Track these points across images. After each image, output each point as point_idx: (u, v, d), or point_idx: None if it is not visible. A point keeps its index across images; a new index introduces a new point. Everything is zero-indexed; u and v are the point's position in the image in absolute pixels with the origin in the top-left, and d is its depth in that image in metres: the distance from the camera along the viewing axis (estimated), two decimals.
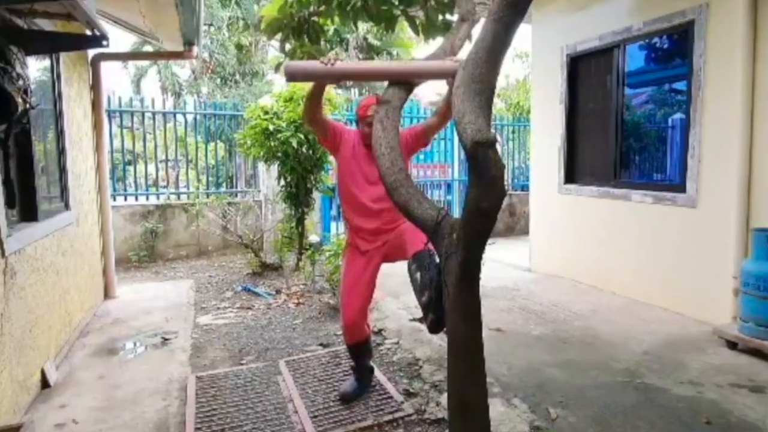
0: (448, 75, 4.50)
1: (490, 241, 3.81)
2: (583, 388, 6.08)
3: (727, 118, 7.86)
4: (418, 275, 4.83)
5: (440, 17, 6.28)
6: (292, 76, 4.75)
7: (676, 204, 8.70)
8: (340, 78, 5.02)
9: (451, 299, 3.71)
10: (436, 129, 5.91)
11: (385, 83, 4.79)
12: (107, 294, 10.09)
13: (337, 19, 6.39)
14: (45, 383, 6.25)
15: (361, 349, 6.07)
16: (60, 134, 7.84)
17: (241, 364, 6.98)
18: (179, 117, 15.87)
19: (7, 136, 4.99)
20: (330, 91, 11.85)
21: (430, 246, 4.27)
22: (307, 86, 10.89)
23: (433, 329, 4.59)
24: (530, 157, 13.54)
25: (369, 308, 6.13)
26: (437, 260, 4.21)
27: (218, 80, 33.07)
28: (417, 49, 26.03)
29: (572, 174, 11.16)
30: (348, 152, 5.80)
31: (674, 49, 9.12)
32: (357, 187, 5.77)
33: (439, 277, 3.99)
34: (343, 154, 5.84)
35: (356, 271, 5.84)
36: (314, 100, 5.54)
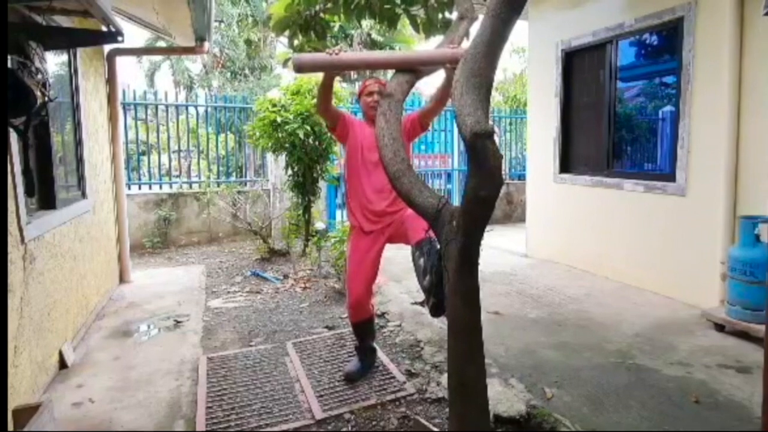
0: (447, 61, 4.55)
1: (488, 228, 3.82)
2: (577, 368, 6.08)
3: (715, 110, 7.86)
4: (421, 261, 4.86)
5: (440, 15, 6.28)
6: (300, 68, 4.77)
7: (666, 193, 8.69)
8: (345, 68, 5.07)
9: (451, 283, 3.71)
10: (432, 113, 5.88)
11: (388, 79, 4.80)
12: (122, 279, 10.12)
13: (342, 16, 6.39)
14: (63, 364, 6.27)
15: (365, 329, 6.08)
16: (77, 126, 7.84)
17: (251, 346, 6.99)
18: (191, 110, 15.77)
19: (27, 128, 4.98)
20: (336, 84, 11.84)
21: (431, 233, 4.28)
22: (314, 80, 10.97)
23: (434, 312, 4.61)
24: (527, 147, 13.51)
25: (373, 288, 6.17)
26: (438, 247, 4.22)
27: (228, 74, 33.07)
28: (418, 46, 26.00)
29: (567, 164, 11.16)
30: (356, 140, 5.83)
31: (664, 44, 9.11)
32: (363, 172, 5.81)
33: (440, 263, 4.00)
34: (351, 142, 5.87)
35: (361, 251, 5.86)
36: (325, 90, 5.56)
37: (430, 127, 6.16)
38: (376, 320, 7.03)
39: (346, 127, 5.85)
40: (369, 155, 5.73)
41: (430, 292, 4.69)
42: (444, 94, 5.26)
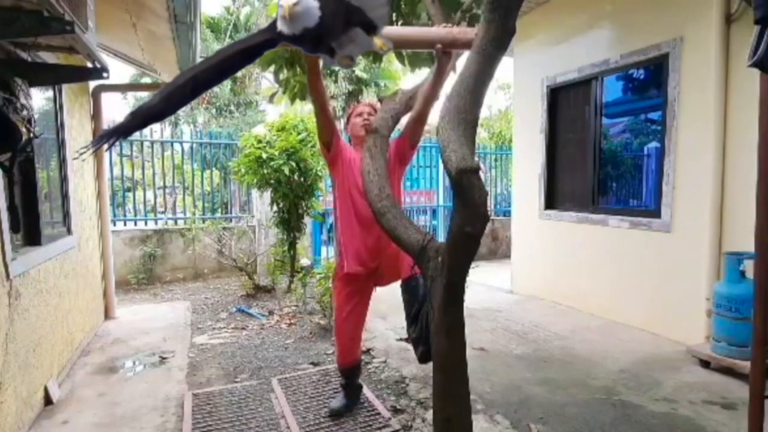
0: (437, 42, 4.39)
1: (473, 264, 3.83)
2: (563, 404, 6.09)
3: (700, 146, 7.91)
4: (407, 304, 4.89)
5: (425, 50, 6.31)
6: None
7: (651, 229, 8.73)
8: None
9: (437, 320, 3.72)
10: (419, 123, 5.48)
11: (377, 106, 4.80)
12: (107, 315, 10.06)
13: None
14: (48, 400, 6.24)
15: (352, 371, 6.09)
16: (62, 162, 7.84)
17: (236, 382, 6.95)
18: (176, 146, 15.80)
19: (12, 164, 4.99)
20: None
21: (417, 269, 4.29)
22: (300, 116, 10.99)
23: (423, 360, 4.65)
24: (512, 184, 13.54)
25: (361, 335, 6.18)
26: (424, 289, 4.23)
27: (213, 110, 33.09)
28: (404, 80, 26.06)
29: (552, 200, 11.19)
30: (348, 165, 5.59)
31: (650, 80, 9.16)
32: (359, 201, 5.49)
33: (427, 306, 4.00)
34: (344, 168, 5.63)
35: (350, 303, 5.84)
36: (311, 73, 5.15)
37: (420, 143, 6.02)
38: (362, 356, 7.00)
39: (339, 147, 5.62)
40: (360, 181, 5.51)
41: (419, 342, 4.73)
42: (432, 91, 5.07)
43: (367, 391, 6.46)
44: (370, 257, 5.68)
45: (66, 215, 7.96)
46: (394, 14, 6.35)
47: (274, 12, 6.71)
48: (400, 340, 8.32)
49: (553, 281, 11.04)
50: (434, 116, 4.53)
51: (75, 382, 7.00)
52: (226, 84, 32.29)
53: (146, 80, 18.61)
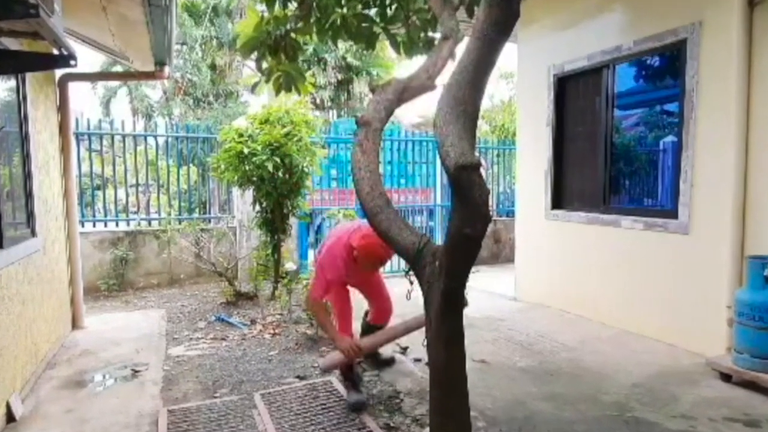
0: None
1: (473, 269, 3.82)
2: (571, 422, 6.08)
3: (720, 140, 7.90)
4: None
5: (422, 35, 6.31)
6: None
7: (667, 230, 8.73)
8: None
9: (434, 329, 3.72)
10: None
11: (364, 106, 4.85)
12: (75, 324, 10.04)
13: (315, 36, 6.42)
14: (10, 417, 6.22)
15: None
16: (26, 158, 7.81)
17: (215, 398, 6.95)
18: (150, 140, 15.74)
19: None
20: (307, 113, 11.90)
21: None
22: (284, 108, 11.05)
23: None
24: (516, 181, 13.54)
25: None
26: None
27: (191, 101, 33.13)
28: (398, 69, 26.08)
29: (560, 199, 11.20)
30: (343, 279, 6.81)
31: (666, 69, 9.16)
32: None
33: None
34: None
35: (341, 297, 6.77)
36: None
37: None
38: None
39: (332, 286, 6.79)
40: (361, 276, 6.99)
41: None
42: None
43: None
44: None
45: (30, 216, 7.93)
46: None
47: (240, 30, 6.76)
48: (400, 352, 8.33)
49: (560, 287, 11.04)
50: (431, 107, 4.53)
51: (40, 397, 6.98)
52: (205, 73, 32.29)
53: (118, 69, 18.59)
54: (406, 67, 24.59)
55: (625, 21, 9.44)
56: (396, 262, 12.51)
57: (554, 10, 10.97)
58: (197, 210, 15.91)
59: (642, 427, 5.91)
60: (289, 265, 12.06)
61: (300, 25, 6.38)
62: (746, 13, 7.63)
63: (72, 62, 6.03)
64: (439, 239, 15.52)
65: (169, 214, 14.51)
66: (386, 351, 8.27)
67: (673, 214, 8.66)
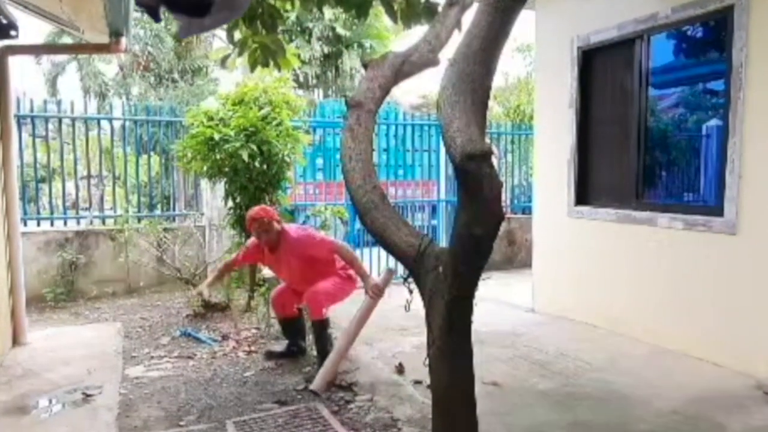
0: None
1: (483, 275, 3.82)
2: None
3: None
4: None
5: (423, 0, 6.29)
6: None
7: (711, 230, 8.70)
8: None
9: (437, 346, 3.71)
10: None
11: (355, 85, 4.85)
12: (16, 340, 9.97)
13: (297, 2, 6.41)
14: None
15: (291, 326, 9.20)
16: None
17: (180, 426, 6.92)
18: (104, 124, 15.68)
19: None
20: (289, 93, 11.90)
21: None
22: (261, 86, 11.14)
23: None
24: (533, 172, 13.54)
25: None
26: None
27: (152, 79, 33.08)
28: (395, 41, 26.07)
29: (585, 194, 11.17)
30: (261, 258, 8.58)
31: (709, 40, 9.16)
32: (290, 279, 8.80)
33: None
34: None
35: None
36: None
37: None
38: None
39: (249, 258, 8.97)
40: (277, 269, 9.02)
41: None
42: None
43: None
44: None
45: None
46: None
47: None
48: (418, 382, 8.35)
49: (585, 297, 11.02)
50: (434, 86, 4.52)
51: None
52: (169, 45, 32.26)
53: (66, 40, 18.58)
54: (404, 38, 24.64)
55: None
56: (394, 267, 12.54)
57: None
58: (159, 206, 15.85)
59: None
60: (267, 271, 12.06)
61: None
62: None
63: (12, 33, 6.05)
64: (443, 240, 15.53)
65: (127, 211, 14.52)
66: (375, 372, 8.30)
67: (718, 210, 8.63)
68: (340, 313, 8.67)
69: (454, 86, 3.46)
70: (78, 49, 15.21)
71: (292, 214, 13.03)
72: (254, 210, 8.69)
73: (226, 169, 11.10)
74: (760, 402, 7.25)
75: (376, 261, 14.10)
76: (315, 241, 8.73)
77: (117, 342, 10.15)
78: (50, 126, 14.43)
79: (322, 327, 8.59)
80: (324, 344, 8.49)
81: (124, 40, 10.03)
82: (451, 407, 3.74)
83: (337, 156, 5.22)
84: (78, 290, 13.46)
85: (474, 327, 3.80)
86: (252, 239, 8.99)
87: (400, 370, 8.38)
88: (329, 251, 8.72)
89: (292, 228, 8.95)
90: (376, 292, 8.07)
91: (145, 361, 9.27)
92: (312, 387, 7.33)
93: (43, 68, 34.97)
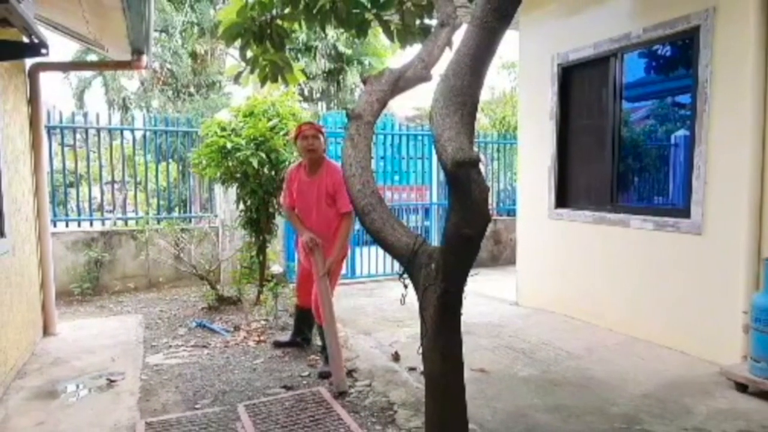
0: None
1: (472, 271, 3.82)
2: None
3: (736, 134, 7.86)
4: None
5: (417, 21, 6.29)
6: None
7: (679, 230, 8.71)
8: None
9: (429, 336, 3.71)
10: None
11: (356, 98, 4.86)
12: (47, 331, 9.99)
13: (303, 23, 6.41)
14: None
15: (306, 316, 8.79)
16: None
17: (196, 409, 6.92)
18: (127, 134, 15.65)
19: None
20: (295, 105, 11.89)
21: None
22: (270, 100, 11.16)
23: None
24: (517, 178, 13.54)
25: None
26: None
27: (170, 93, 33.07)
28: (392, 58, 26.07)
29: (564, 197, 11.19)
30: (295, 188, 8.17)
31: (677, 58, 9.16)
32: (304, 213, 8.24)
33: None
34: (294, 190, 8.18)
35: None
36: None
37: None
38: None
39: (291, 188, 8.39)
40: (299, 200, 8.28)
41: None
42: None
43: (348, 420, 6.44)
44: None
45: None
46: None
47: (222, 16, 6.77)
48: (412, 369, 8.34)
49: (565, 292, 11.04)
50: (427, 99, 4.52)
51: (9, 408, 6.95)
52: (186, 62, 32.25)
53: (92, 58, 18.55)
54: (400, 56, 24.65)
55: (635, 7, 9.41)
56: (390, 264, 12.52)
57: None
58: (177, 209, 15.84)
59: None
60: (275, 268, 12.05)
61: (287, 10, 6.36)
62: None
63: (43, 51, 6.02)
64: (435, 240, 15.53)
65: (147, 213, 14.50)
66: (374, 360, 8.30)
67: (686, 213, 8.65)
68: (337, 310, 8.61)
69: (445, 99, 3.47)
70: (102, 65, 15.17)
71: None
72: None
73: (238, 175, 11.09)
74: (723, 387, 7.24)
75: (374, 259, 14.15)
76: (342, 184, 8.33)
77: (138, 332, 10.14)
78: (78, 136, 14.40)
79: None
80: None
81: (144, 58, 10.03)
82: (442, 392, 3.75)
83: (339, 163, 5.30)
84: (103, 285, 13.45)
85: (463, 319, 3.81)
86: (291, 167, 8.73)
87: (396, 358, 8.40)
88: (345, 203, 7.68)
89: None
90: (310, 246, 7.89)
91: (164, 349, 9.25)
92: (341, 389, 7.27)
93: (71, 83, 34.92)
